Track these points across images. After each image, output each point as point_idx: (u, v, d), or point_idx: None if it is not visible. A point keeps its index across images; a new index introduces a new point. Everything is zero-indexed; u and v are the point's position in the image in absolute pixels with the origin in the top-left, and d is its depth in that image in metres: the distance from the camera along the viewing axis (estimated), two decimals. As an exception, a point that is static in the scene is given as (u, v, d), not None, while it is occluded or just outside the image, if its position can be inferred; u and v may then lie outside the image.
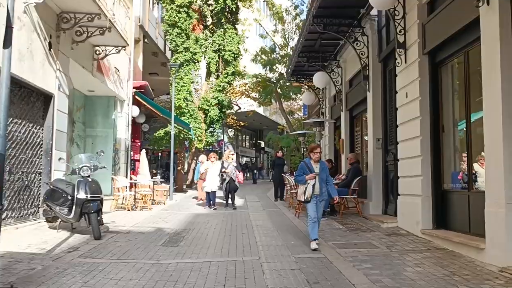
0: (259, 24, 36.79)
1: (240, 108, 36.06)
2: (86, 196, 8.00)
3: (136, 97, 17.43)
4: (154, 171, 30.53)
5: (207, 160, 14.19)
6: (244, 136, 55.52)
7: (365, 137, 12.77)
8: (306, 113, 29.69)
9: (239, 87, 33.71)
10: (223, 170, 13.46)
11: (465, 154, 7.22)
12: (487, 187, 5.90)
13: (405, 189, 8.72)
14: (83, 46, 11.83)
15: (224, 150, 37.98)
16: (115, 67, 15.21)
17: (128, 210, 12.80)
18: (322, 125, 12.62)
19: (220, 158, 16.89)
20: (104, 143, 15.78)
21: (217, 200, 14.39)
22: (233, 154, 14.01)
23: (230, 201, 14.03)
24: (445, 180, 7.79)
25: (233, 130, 48.64)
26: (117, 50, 13.06)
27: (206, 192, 13.98)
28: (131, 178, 15.60)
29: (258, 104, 36.31)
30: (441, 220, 7.70)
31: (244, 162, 49.95)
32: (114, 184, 12.88)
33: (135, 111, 17.71)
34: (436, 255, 6.43)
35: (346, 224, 9.79)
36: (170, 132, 20.28)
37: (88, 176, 8.36)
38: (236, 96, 34.11)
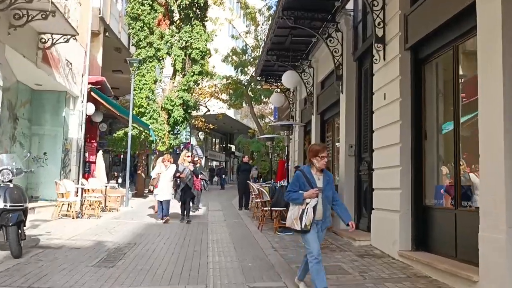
0: (231, 24, 35.65)
1: (209, 111, 34.80)
2: (5, 205, 6.65)
3: (92, 93, 16.04)
4: (116, 174, 29.04)
5: (162, 163, 12.23)
6: (214, 139, 54.21)
7: (337, 144, 11.76)
8: (277, 116, 28.65)
9: (208, 88, 32.41)
10: (178, 175, 11.48)
11: (450, 165, 6.24)
12: (482, 206, 4.87)
13: (381, 203, 7.68)
14: (24, 32, 10.46)
15: (193, 154, 36.74)
16: (66, 60, 13.82)
17: (73, 218, 11.42)
18: (291, 129, 11.53)
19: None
20: (52, 142, 14.36)
21: (173, 210, 12.41)
22: (189, 156, 12.17)
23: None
24: (427, 194, 6.78)
25: (203, 133, 47.31)
26: (65, 39, 11.72)
27: (158, 201, 12.12)
28: (83, 183, 14.18)
29: (228, 106, 35.05)
30: (421, 241, 6.68)
31: (213, 167, 48.61)
32: (57, 188, 11.47)
33: (90, 108, 16.30)
34: (418, 286, 5.37)
35: (313, 240, 8.69)
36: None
37: (10, 181, 7.00)
38: (205, 98, 32.83)
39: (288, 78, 12.30)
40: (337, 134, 11.67)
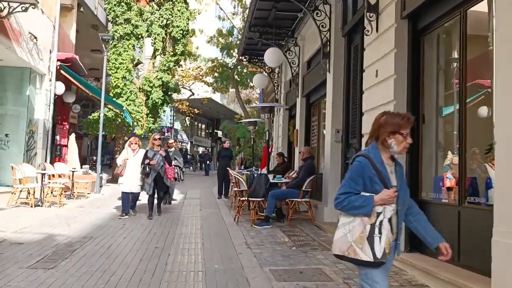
0: (218, 4, 34.32)
1: (193, 94, 33.61)
2: None
3: (62, 71, 14.84)
4: (95, 158, 27.86)
5: (129, 147, 10.17)
6: (200, 124, 53.01)
7: (323, 130, 10.81)
8: (262, 101, 27.58)
9: (192, 70, 31.20)
10: (147, 161, 9.57)
11: (453, 154, 5.30)
12: (498, 205, 3.92)
13: (370, 196, 6.72)
14: (-27, -2, 9.29)
15: (175, 139, 35.60)
16: (30, 33, 12.62)
17: (32, 207, 10.35)
18: (273, 112, 10.51)
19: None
20: (14, 123, 13.24)
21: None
22: (159, 139, 10.01)
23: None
24: (424, 187, 5.83)
25: (189, 118, 46.14)
26: (23, 8, 10.52)
27: (123, 192, 9.94)
28: (45, 167, 13.05)
29: (213, 90, 33.86)
30: (417, 241, 5.73)
31: (200, 152, 47.46)
32: (14, 173, 10.36)
33: (60, 88, 15.11)
34: (414, 299, 4.44)
35: (294, 235, 7.75)
36: (106, 115, 17.78)
37: None
38: (189, 80, 31.62)
39: (271, 56, 11.21)
40: (324, 119, 10.70)
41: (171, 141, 12.13)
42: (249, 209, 9.24)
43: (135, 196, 10.07)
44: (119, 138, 20.24)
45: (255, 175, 9.24)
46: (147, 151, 9.82)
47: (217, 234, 8.01)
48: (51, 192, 11.12)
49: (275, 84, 15.49)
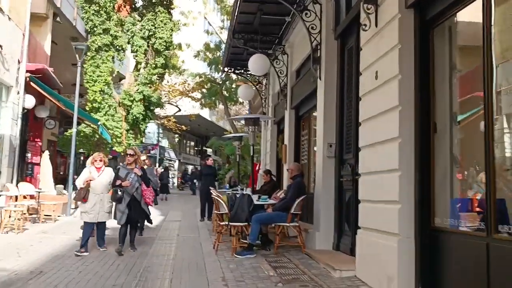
0: (206, 18, 33.53)
1: (180, 110, 32.48)
2: None
3: (32, 84, 13.71)
4: (76, 177, 26.56)
5: (92, 165, 8.25)
6: (188, 142, 51.81)
7: (314, 148, 9.76)
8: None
9: (179, 85, 30.14)
10: (118, 182, 7.72)
11: (475, 170, 4.24)
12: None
13: (370, 221, 5.63)
14: None
15: (159, 157, 34.33)
16: (-7, 41, 11.54)
17: (-15, 233, 9.13)
18: (258, 125, 9.41)
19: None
20: (-26, 140, 12.03)
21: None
22: (132, 155, 8.01)
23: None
24: (439, 212, 4.73)
25: (177, 135, 44.98)
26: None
27: (86, 223, 7.88)
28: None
29: (201, 106, 32.77)
30: (430, 280, 4.63)
31: (190, 171, 46.07)
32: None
33: (30, 101, 13.95)
34: None
35: (281, 266, 6.61)
36: (83, 131, 16.65)
37: None
38: (175, 96, 30.53)
39: (256, 63, 10.07)
40: (315, 133, 9.65)
41: (143, 157, 9.95)
42: (231, 235, 8.08)
43: (102, 227, 8.12)
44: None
45: (238, 195, 8.11)
46: (118, 169, 8.06)
47: (191, 267, 6.85)
48: (9, 216, 9.89)
49: (263, 97, 14.45)
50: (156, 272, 6.39)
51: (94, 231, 8.02)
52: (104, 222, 8.11)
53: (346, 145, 7.49)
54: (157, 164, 34.00)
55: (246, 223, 7.67)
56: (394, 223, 4.88)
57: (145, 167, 9.48)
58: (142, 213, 8.11)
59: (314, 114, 9.83)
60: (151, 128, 36.93)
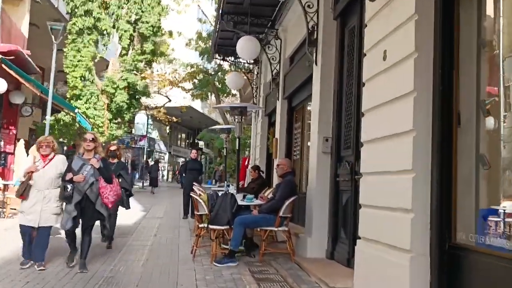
0: (198, 6, 32.43)
1: (170, 101, 31.41)
2: None
3: (3, 66, 12.62)
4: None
5: (37, 151, 6.31)
6: (180, 134, 50.73)
7: (308, 143, 8.82)
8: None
9: (169, 75, 29.05)
10: (68, 176, 5.86)
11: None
12: None
13: (374, 231, 4.67)
14: None
15: (148, 149, 33.22)
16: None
17: None
18: (245, 115, 8.38)
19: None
20: None
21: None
22: (93, 140, 6.12)
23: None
24: (461, 224, 3.78)
25: (168, 127, 43.94)
26: None
27: (23, 226, 6.07)
28: None
29: (192, 97, 31.71)
30: (450, 308, 3.70)
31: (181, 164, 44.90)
32: None
33: (1, 85, 12.89)
34: None
35: (265, 279, 5.66)
36: (62, 119, 15.60)
37: None
38: (165, 86, 29.44)
39: (245, 45, 8.97)
40: (309, 126, 8.71)
41: (113, 147, 8.12)
42: (211, 238, 7.09)
43: (44, 235, 6.05)
44: (80, 146, 17.96)
45: (219, 194, 7.14)
46: (71, 159, 6.16)
47: (161, 277, 5.87)
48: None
49: (254, 86, 13.46)
50: (117, 283, 5.40)
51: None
52: (48, 228, 6.09)
53: (344, 140, 6.55)
54: (145, 156, 32.98)
55: (228, 227, 6.70)
56: (405, 237, 3.93)
57: (116, 160, 7.97)
58: (95, 217, 6.08)
59: (308, 104, 8.89)
60: (141, 119, 35.89)
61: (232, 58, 13.21)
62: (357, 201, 5.73)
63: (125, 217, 7.78)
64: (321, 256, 6.72)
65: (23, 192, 5.98)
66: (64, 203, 6.04)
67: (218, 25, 11.11)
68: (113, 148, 8.11)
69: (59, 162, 6.21)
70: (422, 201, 3.90)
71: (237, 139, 8.12)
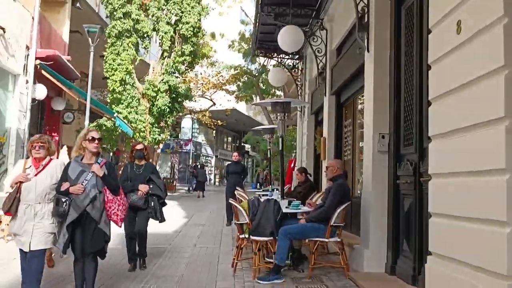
0: (241, 8, 31.87)
1: (214, 104, 31.00)
2: None
3: (43, 72, 12.40)
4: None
5: (29, 153, 4.71)
6: (226, 137, 50.47)
7: (360, 143, 7.94)
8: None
9: (212, 78, 28.65)
10: (64, 187, 4.43)
11: None
12: None
13: (451, 247, 3.75)
14: None
15: (195, 153, 32.93)
16: (-6, 22, 10.24)
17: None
18: (288, 112, 7.54)
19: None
20: (-25, 133, 10.80)
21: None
22: (98, 139, 4.62)
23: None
24: None
25: (214, 131, 43.75)
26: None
27: (20, 250, 4.53)
28: None
29: (236, 99, 31.19)
30: None
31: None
32: None
33: (41, 91, 12.65)
34: None
35: (315, 300, 4.83)
36: (104, 124, 15.34)
37: None
38: (209, 89, 29.05)
39: (286, 35, 8.17)
40: (361, 123, 7.82)
41: (139, 146, 6.59)
42: (253, 251, 6.32)
43: (36, 260, 4.48)
44: (123, 151, 17.74)
45: (261, 200, 6.36)
46: (68, 164, 4.66)
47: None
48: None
49: (298, 83, 12.62)
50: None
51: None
52: (41, 252, 4.50)
53: (405, 136, 5.62)
54: (190, 161, 32.71)
55: (271, 238, 5.91)
56: (500, 257, 3.02)
57: (143, 162, 6.55)
58: (100, 241, 4.58)
59: (359, 98, 7.98)
60: (187, 123, 35.77)
61: (275, 55, 12.43)
62: (422, 207, 4.85)
63: (164, 225, 7.00)
64: (379, 270, 5.82)
65: (10, 207, 4.48)
66: (61, 222, 4.48)
67: (258, 18, 10.37)
68: (139, 147, 6.55)
69: (56, 168, 4.64)
70: (521, 210, 2.97)
71: (280, 139, 7.31)
